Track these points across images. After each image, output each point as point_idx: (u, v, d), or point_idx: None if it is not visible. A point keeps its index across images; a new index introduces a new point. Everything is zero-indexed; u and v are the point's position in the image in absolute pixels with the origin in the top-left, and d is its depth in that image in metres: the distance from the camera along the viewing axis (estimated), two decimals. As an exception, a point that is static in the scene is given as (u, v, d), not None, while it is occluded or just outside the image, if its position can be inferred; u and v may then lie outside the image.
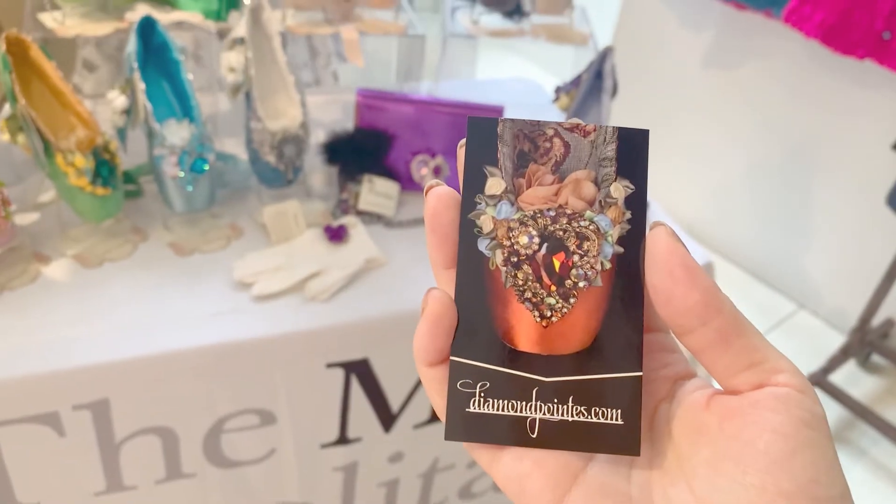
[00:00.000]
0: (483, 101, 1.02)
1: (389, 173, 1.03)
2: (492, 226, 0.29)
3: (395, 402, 0.97)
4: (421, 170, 1.04)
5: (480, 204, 0.29)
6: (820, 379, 1.71)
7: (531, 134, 0.29)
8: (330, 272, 0.90)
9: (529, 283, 0.28)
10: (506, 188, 0.29)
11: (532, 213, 0.28)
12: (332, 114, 1.19)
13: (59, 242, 0.91)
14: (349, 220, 0.97)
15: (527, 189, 0.29)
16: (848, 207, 1.90)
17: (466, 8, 1.11)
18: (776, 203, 2.06)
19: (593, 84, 1.04)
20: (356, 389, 0.93)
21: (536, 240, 0.28)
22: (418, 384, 0.97)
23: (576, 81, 1.04)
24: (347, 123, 1.04)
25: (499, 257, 0.28)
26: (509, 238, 0.29)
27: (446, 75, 1.18)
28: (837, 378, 1.75)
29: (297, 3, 0.99)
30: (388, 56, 1.16)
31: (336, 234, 0.95)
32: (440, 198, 0.29)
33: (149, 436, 0.85)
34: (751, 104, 2.02)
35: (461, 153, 0.30)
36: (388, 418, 0.98)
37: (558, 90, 1.05)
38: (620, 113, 2.18)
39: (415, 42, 1.07)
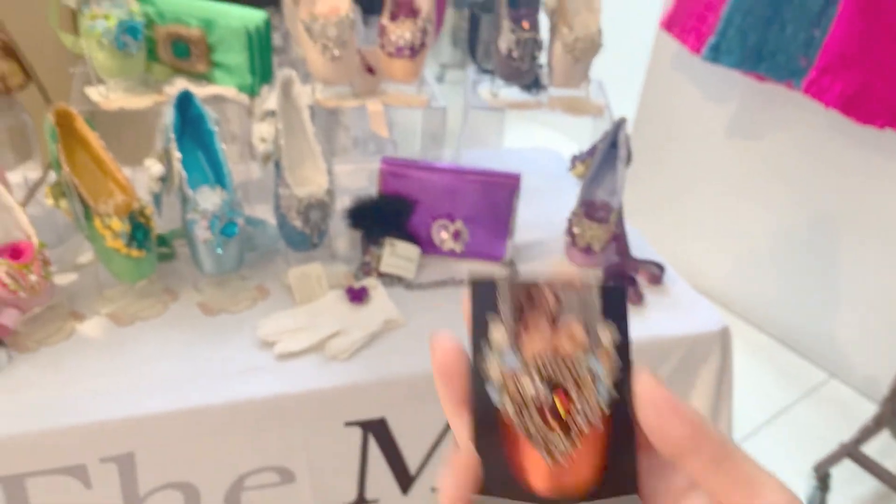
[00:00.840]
0: (502, 169, 1.06)
1: (411, 237, 1.07)
2: (498, 373, 0.31)
3: (412, 464, 0.98)
4: (441, 234, 1.08)
5: (486, 353, 0.31)
6: (852, 450, 1.67)
7: (527, 288, 0.32)
8: (350, 332, 0.93)
9: (537, 426, 0.31)
10: (508, 338, 0.31)
11: (534, 359, 0.31)
12: (358, 181, 1.24)
13: (94, 301, 0.95)
14: (370, 282, 1.01)
15: (527, 337, 0.31)
16: (877, 274, 1.88)
17: (486, 82, 1.17)
18: (804, 269, 2.05)
19: (608, 153, 1.08)
20: (374, 449, 0.95)
21: (541, 385, 0.31)
22: (436, 446, 0.98)
23: (591, 151, 1.08)
24: (372, 190, 1.09)
25: (508, 403, 0.31)
26: (515, 384, 0.31)
27: (471, 143, 1.23)
28: (870, 449, 1.71)
29: (325, 78, 1.05)
30: (413, 126, 1.21)
31: (357, 296, 0.98)
32: (446, 352, 0.32)
33: (172, 490, 0.87)
34: (775, 172, 2.04)
35: (466, 306, 0.32)
36: (405, 480, 0.99)
37: (574, 159, 1.09)
38: (646, 179, 2.22)
39: (437, 114, 1.12)
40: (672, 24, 2.05)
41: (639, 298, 1.06)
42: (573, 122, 1.21)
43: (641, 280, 1.11)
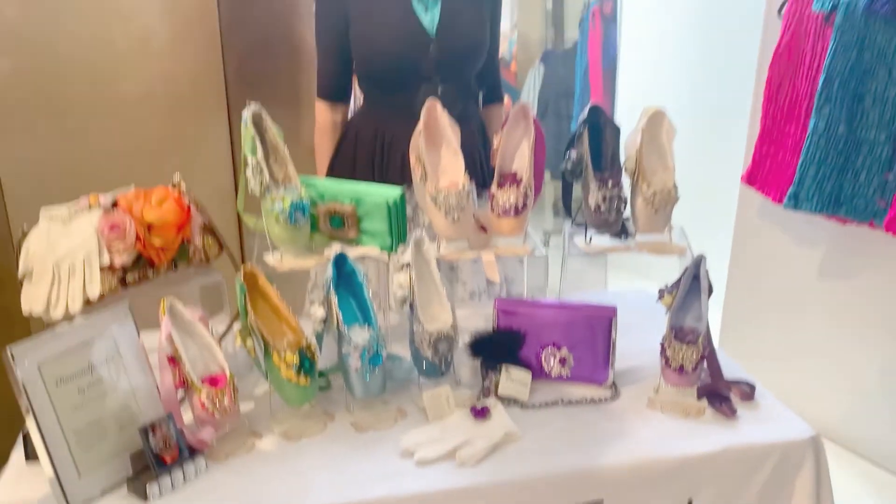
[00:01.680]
0: (596, 304, 1.25)
1: (523, 364, 1.25)
2: None
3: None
4: (549, 360, 1.26)
5: None
6: None
7: None
8: (475, 443, 1.10)
9: None
10: None
11: None
12: (475, 323, 1.45)
13: (268, 423, 1.17)
14: (491, 402, 1.18)
15: None
16: None
17: (581, 233, 1.38)
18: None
19: (692, 284, 1.25)
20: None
21: None
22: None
23: (676, 283, 1.25)
24: (488, 327, 1.29)
25: None
26: None
27: (573, 286, 1.43)
28: None
29: (447, 236, 1.29)
30: (521, 273, 1.43)
31: (480, 413, 1.16)
32: None
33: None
34: (872, 306, 2.10)
35: None
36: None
37: (662, 291, 1.26)
38: (749, 320, 2.31)
39: (540, 262, 1.34)
40: (753, 179, 2.24)
41: (732, 413, 1.18)
42: (665, 271, 1.38)
43: (734, 397, 1.23)
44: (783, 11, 2.07)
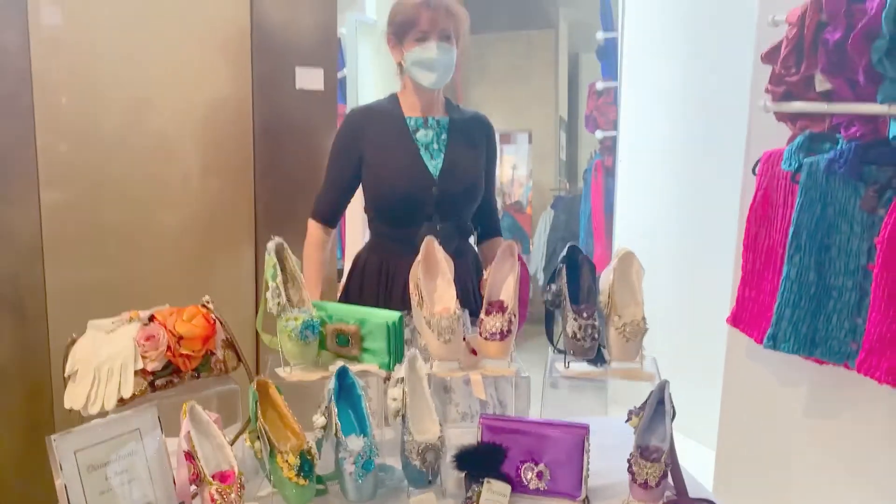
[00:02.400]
0: (571, 421, 1.38)
1: (504, 477, 1.37)
2: None
3: None
4: (527, 474, 1.38)
5: None
6: None
7: None
8: (455, 544, 1.21)
9: None
10: None
11: None
12: (465, 440, 1.57)
13: (269, 520, 1.29)
14: (472, 510, 1.30)
15: None
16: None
17: (561, 359, 1.54)
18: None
19: (656, 409, 1.38)
20: None
21: None
22: None
23: (643, 407, 1.39)
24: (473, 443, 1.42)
25: None
26: None
27: (552, 406, 1.56)
28: None
29: (439, 357, 1.46)
30: (508, 401, 1.57)
31: (461, 518, 1.27)
32: None
33: None
34: (855, 448, 2.19)
35: None
36: None
37: (630, 413, 1.39)
38: (742, 458, 2.39)
39: (523, 381, 1.49)
40: (737, 320, 2.39)
41: (693, 527, 1.29)
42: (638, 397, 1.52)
43: (697, 515, 1.33)
44: (757, 170, 2.30)
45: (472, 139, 1.96)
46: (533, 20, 3.95)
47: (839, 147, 2.04)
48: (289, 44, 2.30)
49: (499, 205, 4.32)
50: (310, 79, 2.33)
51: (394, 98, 1.96)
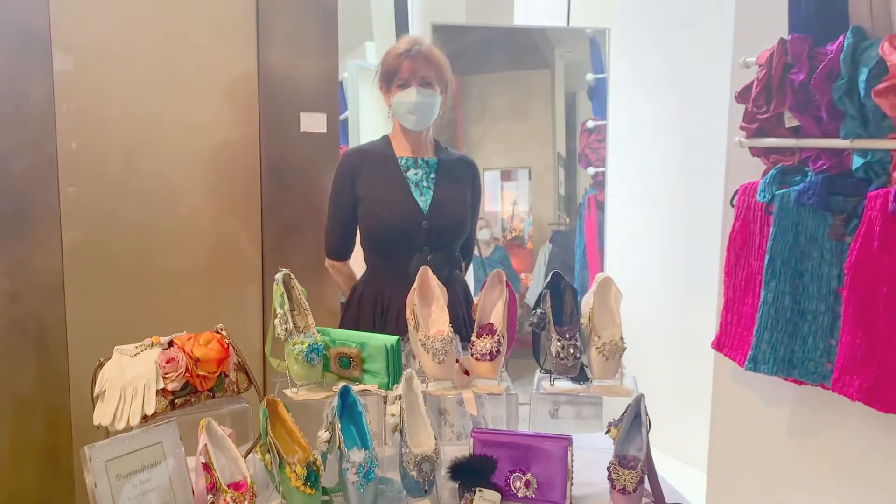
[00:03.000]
0: (556, 434, 1.50)
1: (494, 486, 1.48)
2: None
3: None
4: (516, 483, 1.49)
5: None
6: None
7: None
8: (449, 545, 1.33)
9: None
10: None
11: None
12: (458, 453, 1.69)
13: (278, 527, 1.41)
14: (464, 515, 1.41)
15: None
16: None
17: (547, 378, 1.66)
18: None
19: (633, 421, 1.50)
20: None
21: None
22: None
23: (621, 419, 1.51)
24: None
25: None
26: None
27: (539, 423, 1.68)
28: None
29: (434, 376, 1.58)
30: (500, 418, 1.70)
31: (454, 522, 1.39)
32: None
33: None
34: (838, 461, 2.28)
35: None
36: None
37: (609, 424, 1.52)
38: (729, 482, 2.48)
39: (512, 398, 1.61)
40: (721, 345, 2.51)
41: (667, 528, 1.40)
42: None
43: (673, 518, 1.45)
44: (734, 202, 2.45)
45: (458, 178, 2.11)
46: (531, 61, 4.13)
47: (808, 179, 2.18)
48: (293, 90, 2.46)
49: (500, 241, 4.47)
50: (313, 122, 2.49)
51: (385, 139, 2.12)
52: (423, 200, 2.04)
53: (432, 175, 2.07)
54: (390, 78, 2.02)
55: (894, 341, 1.99)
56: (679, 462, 3.50)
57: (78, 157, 2.25)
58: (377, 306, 2.04)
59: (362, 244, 2.12)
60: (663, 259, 3.78)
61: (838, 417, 2.28)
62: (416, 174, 2.05)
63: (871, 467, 2.20)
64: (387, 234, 2.02)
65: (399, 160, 2.07)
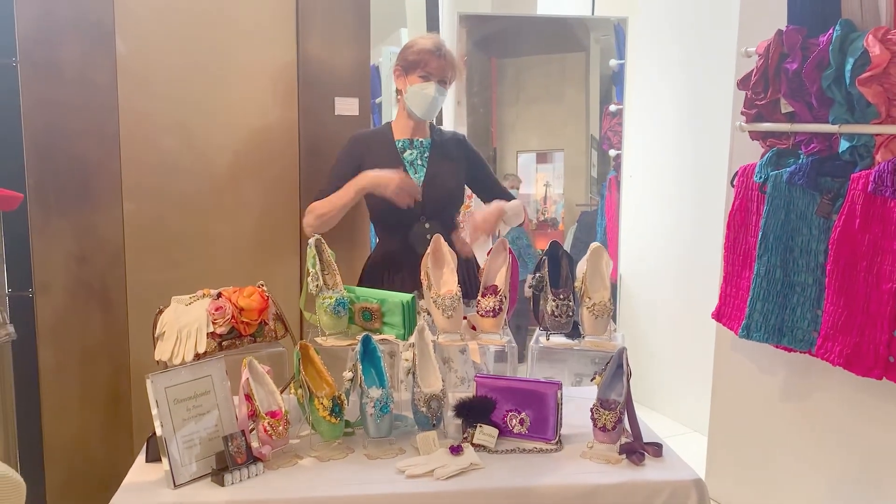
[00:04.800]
0: (548, 379, 1.73)
1: (493, 423, 1.72)
2: None
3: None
4: (512, 420, 1.73)
5: None
6: None
7: None
8: (449, 467, 1.57)
9: None
10: None
11: None
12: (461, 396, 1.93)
13: (307, 450, 1.66)
14: (465, 446, 1.65)
15: None
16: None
17: (545, 334, 1.88)
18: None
19: (616, 370, 1.72)
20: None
21: None
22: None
23: (604, 368, 1.73)
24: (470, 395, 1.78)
25: None
26: None
27: (537, 371, 1.91)
28: None
29: (444, 330, 1.82)
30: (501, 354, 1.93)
31: (456, 450, 1.63)
32: None
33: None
34: (826, 426, 2.47)
35: None
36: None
37: (595, 373, 1.74)
38: (733, 447, 2.65)
39: (512, 349, 1.84)
40: (721, 315, 2.70)
41: (639, 461, 1.62)
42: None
43: (647, 454, 1.67)
44: (734, 182, 2.62)
45: (451, 155, 2.32)
46: (566, 44, 4.26)
47: (800, 161, 2.36)
48: (329, 77, 2.70)
49: (533, 223, 4.66)
50: (346, 106, 2.73)
51: (387, 126, 2.35)
52: (417, 177, 2.24)
53: (426, 154, 2.28)
54: (414, 67, 2.24)
55: (872, 312, 2.17)
56: (684, 427, 3.69)
57: (136, 137, 2.52)
58: (387, 272, 2.26)
59: (371, 220, 2.36)
60: (673, 237, 3.97)
61: (825, 381, 2.46)
62: (411, 154, 2.27)
63: (853, 425, 2.37)
64: (387, 208, 2.23)
65: (397, 143, 2.29)
